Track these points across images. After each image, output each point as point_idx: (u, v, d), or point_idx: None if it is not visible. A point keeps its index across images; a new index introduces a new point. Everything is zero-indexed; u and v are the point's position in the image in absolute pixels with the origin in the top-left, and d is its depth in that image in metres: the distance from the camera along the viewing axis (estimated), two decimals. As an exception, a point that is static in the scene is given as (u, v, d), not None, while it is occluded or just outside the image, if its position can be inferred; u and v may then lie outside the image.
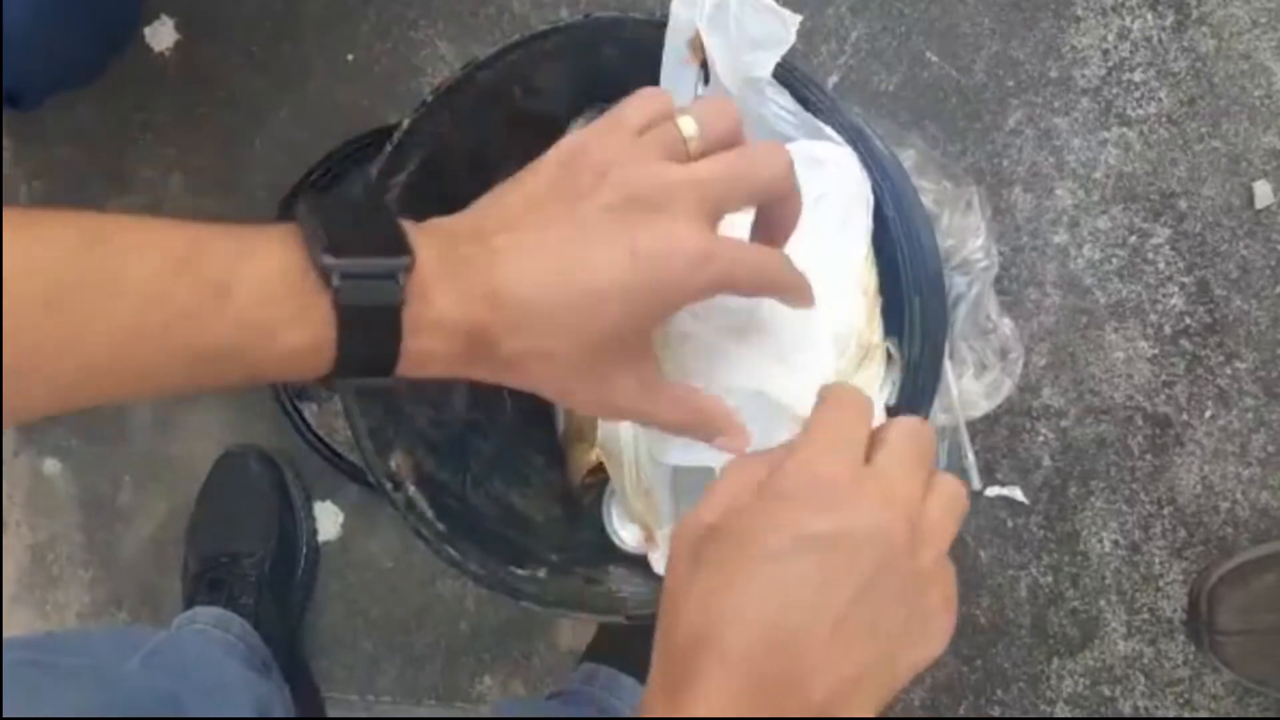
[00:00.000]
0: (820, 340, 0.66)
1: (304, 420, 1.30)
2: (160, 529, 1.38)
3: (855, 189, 0.71)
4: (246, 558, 1.25)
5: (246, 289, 0.44)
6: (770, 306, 0.60)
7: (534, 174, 0.51)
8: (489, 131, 0.86)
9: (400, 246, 0.46)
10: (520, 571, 0.81)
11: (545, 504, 0.93)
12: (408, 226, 0.47)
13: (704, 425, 0.55)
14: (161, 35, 1.38)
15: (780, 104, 0.72)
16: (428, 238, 0.47)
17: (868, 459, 0.45)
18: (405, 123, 0.80)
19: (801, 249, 0.56)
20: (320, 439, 1.29)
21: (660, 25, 0.75)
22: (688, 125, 0.51)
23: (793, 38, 0.70)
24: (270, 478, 1.28)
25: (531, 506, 0.92)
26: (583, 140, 0.51)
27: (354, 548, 1.30)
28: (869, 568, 0.42)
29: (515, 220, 0.49)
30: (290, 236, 0.45)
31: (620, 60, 0.76)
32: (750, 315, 0.61)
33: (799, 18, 0.70)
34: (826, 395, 0.48)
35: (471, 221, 0.50)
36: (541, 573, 0.82)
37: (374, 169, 0.81)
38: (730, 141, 0.52)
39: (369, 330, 0.45)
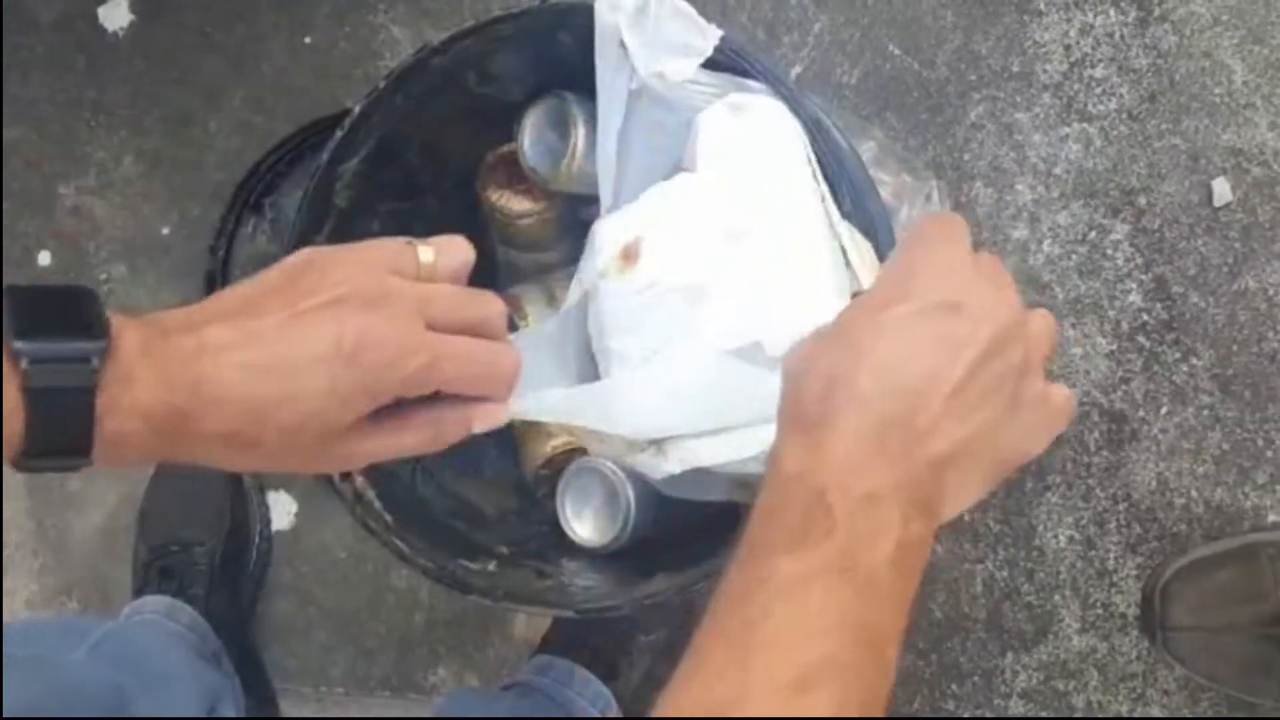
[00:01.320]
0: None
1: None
2: (111, 517, 1.36)
3: (785, 133, 0.71)
4: (197, 547, 1.24)
5: None
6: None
7: (259, 279, 0.53)
8: (443, 118, 0.85)
9: (99, 331, 0.47)
10: (470, 564, 0.80)
11: (498, 496, 0.92)
12: (114, 314, 0.48)
13: (442, 434, 0.57)
14: (115, 15, 1.36)
15: (702, 82, 0.72)
16: (135, 325, 0.49)
17: None
18: (357, 109, 0.79)
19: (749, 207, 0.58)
20: (274, 427, 1.28)
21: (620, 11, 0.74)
22: (425, 253, 0.54)
23: (710, 49, 0.71)
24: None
25: (483, 498, 0.91)
26: (314, 252, 0.54)
27: (307, 537, 1.29)
28: (985, 340, 0.46)
29: (230, 314, 0.51)
30: None
31: (576, 47, 0.75)
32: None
33: (720, 32, 0.70)
34: (924, 220, 0.52)
35: (185, 314, 0.51)
36: (492, 565, 0.81)
37: (324, 155, 0.79)
38: (460, 278, 0.57)
39: (59, 414, 0.46)
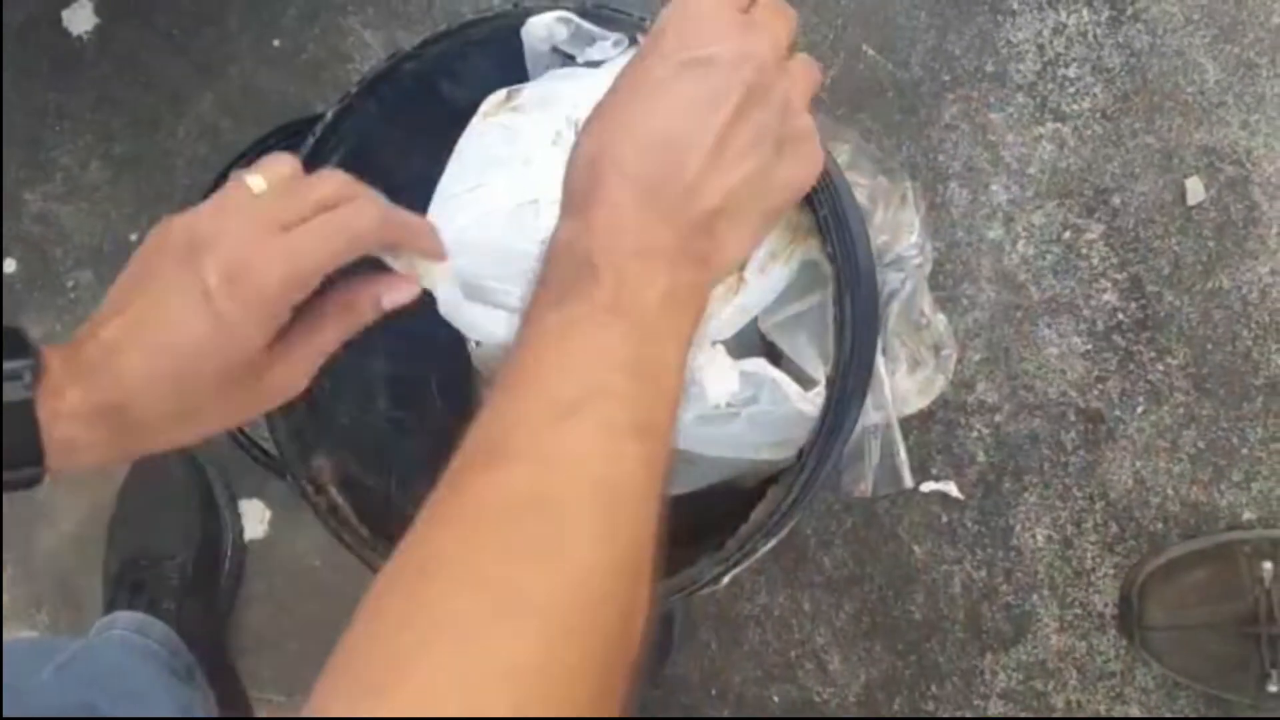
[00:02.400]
0: None
1: (229, 416, 1.26)
2: (81, 526, 1.34)
3: None
4: (168, 560, 1.22)
5: None
6: None
7: (131, 265, 0.55)
8: (417, 123, 0.84)
9: (25, 351, 0.51)
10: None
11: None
12: (35, 341, 0.52)
13: (357, 316, 0.60)
14: (79, 18, 1.34)
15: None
16: (54, 348, 0.53)
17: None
18: (329, 115, 0.78)
19: None
20: (245, 434, 1.25)
21: (593, 14, 0.73)
22: (255, 181, 0.56)
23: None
24: (192, 476, 1.25)
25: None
26: (168, 221, 0.55)
27: (281, 546, 1.27)
28: (743, 86, 0.48)
29: (117, 308, 0.53)
30: None
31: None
32: None
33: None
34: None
35: (89, 324, 0.54)
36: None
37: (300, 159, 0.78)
38: (291, 177, 0.58)
39: (9, 423, 0.50)
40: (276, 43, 1.26)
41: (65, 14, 1.34)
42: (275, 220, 0.54)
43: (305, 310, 0.56)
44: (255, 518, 1.28)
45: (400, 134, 0.83)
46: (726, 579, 0.73)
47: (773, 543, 0.72)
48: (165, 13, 1.30)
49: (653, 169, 0.47)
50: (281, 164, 0.58)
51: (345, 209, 0.57)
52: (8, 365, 0.50)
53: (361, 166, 0.81)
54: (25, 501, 1.36)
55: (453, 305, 0.70)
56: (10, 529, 1.37)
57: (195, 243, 0.53)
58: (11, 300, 1.33)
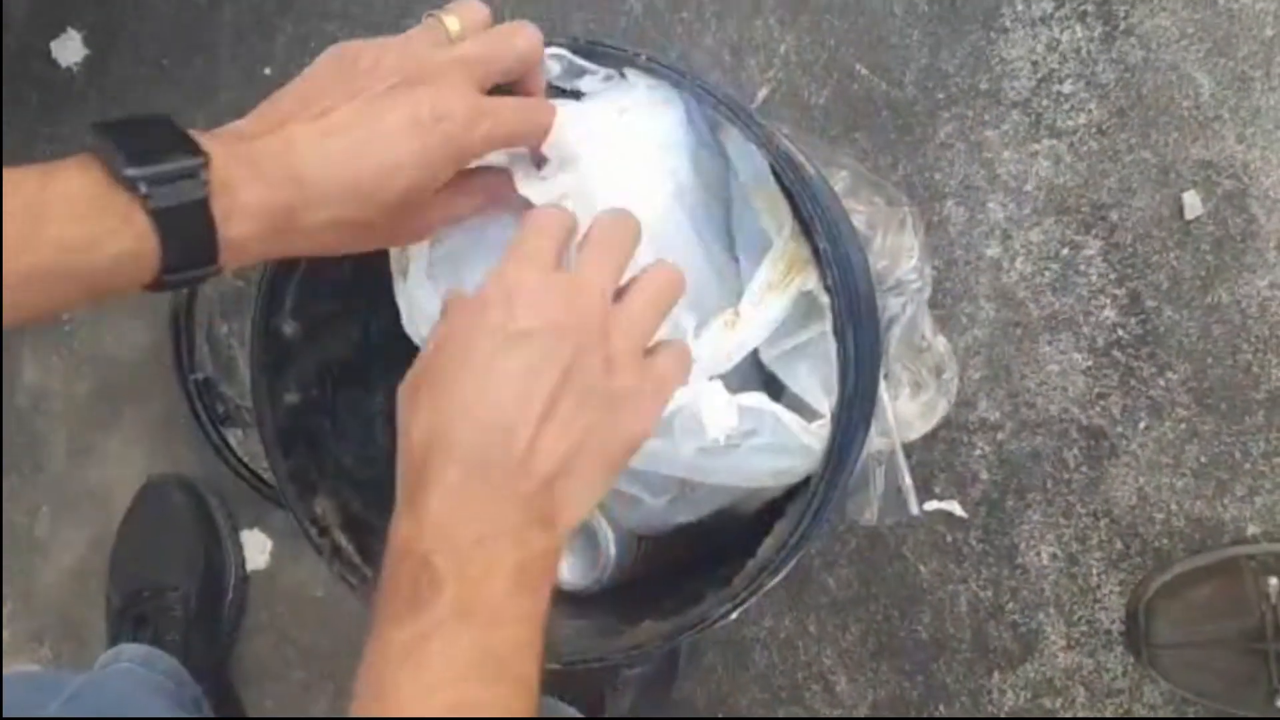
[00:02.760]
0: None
1: (228, 446, 1.26)
2: (81, 561, 1.34)
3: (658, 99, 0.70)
4: (171, 592, 1.22)
5: (59, 211, 0.47)
6: None
7: (309, 75, 0.56)
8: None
9: (193, 149, 0.49)
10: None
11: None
12: (193, 133, 0.51)
13: (493, 195, 0.62)
14: (69, 49, 1.33)
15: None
16: (213, 139, 0.51)
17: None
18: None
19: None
20: (245, 465, 1.26)
21: (585, 49, 0.73)
22: (451, 22, 0.58)
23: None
24: (194, 507, 1.25)
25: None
26: (353, 43, 0.56)
27: (283, 576, 1.27)
28: (568, 355, 0.50)
29: (299, 113, 0.53)
30: (89, 158, 0.48)
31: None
32: None
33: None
34: (522, 220, 0.55)
35: (255, 120, 0.54)
36: (472, 616, 0.80)
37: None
38: (486, 25, 0.59)
39: (185, 227, 0.49)
40: (268, 70, 1.26)
41: (54, 45, 1.34)
42: (480, 74, 0.57)
43: (453, 184, 0.58)
44: (257, 548, 1.28)
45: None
46: (735, 615, 0.73)
47: (779, 578, 0.72)
48: (155, 43, 1.30)
49: (483, 448, 0.48)
50: (475, 10, 0.60)
51: (536, 106, 0.61)
52: (182, 165, 0.48)
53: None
54: (25, 536, 1.36)
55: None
56: (10, 563, 1.36)
57: (408, 77, 0.54)
58: (8, 333, 1.32)
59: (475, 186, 0.62)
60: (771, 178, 0.71)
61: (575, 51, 0.72)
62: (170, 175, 0.48)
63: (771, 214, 0.73)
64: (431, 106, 0.54)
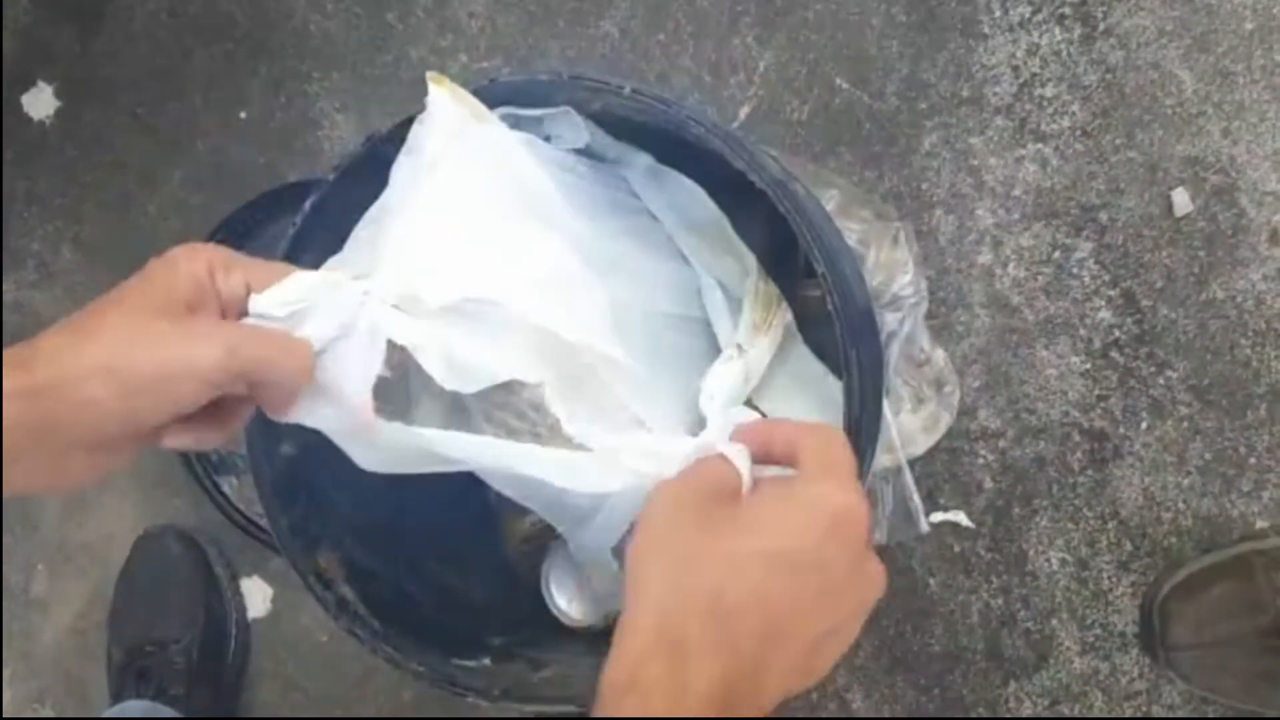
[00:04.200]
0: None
1: (223, 495, 1.25)
2: (80, 617, 1.32)
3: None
4: (173, 644, 1.20)
5: None
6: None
7: None
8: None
9: None
10: (465, 663, 0.77)
11: (483, 579, 0.90)
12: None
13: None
14: (40, 102, 1.32)
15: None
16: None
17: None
18: (307, 205, 0.76)
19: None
20: (241, 513, 1.24)
21: (567, 83, 0.72)
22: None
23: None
24: (192, 558, 1.23)
25: (470, 584, 0.88)
26: None
27: (286, 622, 1.25)
28: (857, 605, 0.50)
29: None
30: None
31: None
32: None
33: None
34: (813, 434, 0.53)
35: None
36: (486, 660, 0.79)
37: (279, 252, 0.76)
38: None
39: None
40: (243, 114, 1.25)
41: (25, 99, 1.32)
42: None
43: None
44: (258, 595, 1.26)
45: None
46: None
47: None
48: (127, 92, 1.28)
49: (744, 658, 0.47)
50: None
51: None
52: None
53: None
54: (21, 594, 1.34)
55: None
56: (8, 623, 1.34)
57: None
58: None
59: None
60: (716, 220, 0.72)
61: (560, 84, 0.71)
62: None
63: (721, 256, 0.75)
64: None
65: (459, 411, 0.70)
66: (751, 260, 0.75)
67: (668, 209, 0.78)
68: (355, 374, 0.58)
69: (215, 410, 0.56)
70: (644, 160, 0.77)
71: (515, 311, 0.60)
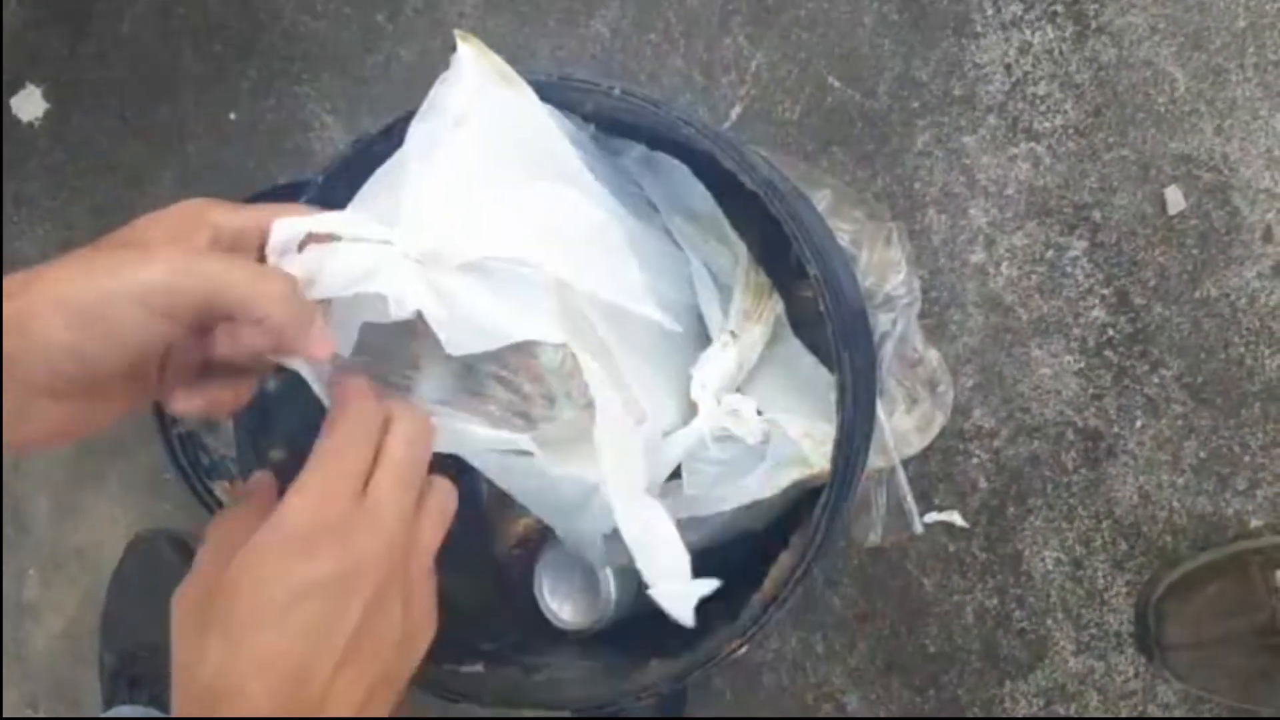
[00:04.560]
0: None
1: (215, 498, 1.24)
2: (72, 623, 1.32)
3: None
4: (167, 649, 1.19)
5: None
6: None
7: None
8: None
9: None
10: (456, 668, 0.77)
11: (474, 583, 0.89)
12: None
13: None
14: (29, 105, 1.31)
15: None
16: None
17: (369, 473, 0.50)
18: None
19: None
20: (234, 516, 1.24)
21: (557, 84, 0.72)
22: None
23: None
24: (184, 562, 1.22)
25: (460, 588, 0.88)
26: None
27: (279, 626, 1.25)
28: (368, 595, 0.47)
29: None
30: None
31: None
32: None
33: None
34: (330, 419, 0.51)
35: None
36: (479, 667, 0.78)
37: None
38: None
39: None
40: (233, 116, 1.24)
41: (13, 101, 1.32)
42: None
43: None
44: (250, 600, 1.25)
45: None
46: (744, 650, 0.71)
47: (786, 608, 0.71)
48: (116, 94, 1.28)
49: (278, 699, 0.45)
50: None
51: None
52: None
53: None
54: (13, 600, 1.33)
55: None
56: (-1, 629, 1.34)
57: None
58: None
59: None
60: (710, 208, 0.72)
61: (549, 88, 0.71)
62: None
63: (714, 244, 0.74)
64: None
65: (466, 378, 0.68)
66: (742, 249, 0.75)
67: (662, 195, 0.77)
68: (353, 326, 0.57)
69: (221, 372, 0.53)
70: (638, 149, 0.77)
71: (546, 272, 0.58)
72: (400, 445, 0.51)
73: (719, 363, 0.72)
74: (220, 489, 1.24)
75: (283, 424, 0.79)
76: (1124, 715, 1.03)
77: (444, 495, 0.53)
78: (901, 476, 0.86)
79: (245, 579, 0.46)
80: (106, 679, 1.22)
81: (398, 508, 0.50)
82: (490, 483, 0.97)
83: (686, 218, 0.78)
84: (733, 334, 0.73)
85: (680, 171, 0.75)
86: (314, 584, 0.47)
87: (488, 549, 0.94)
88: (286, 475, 0.78)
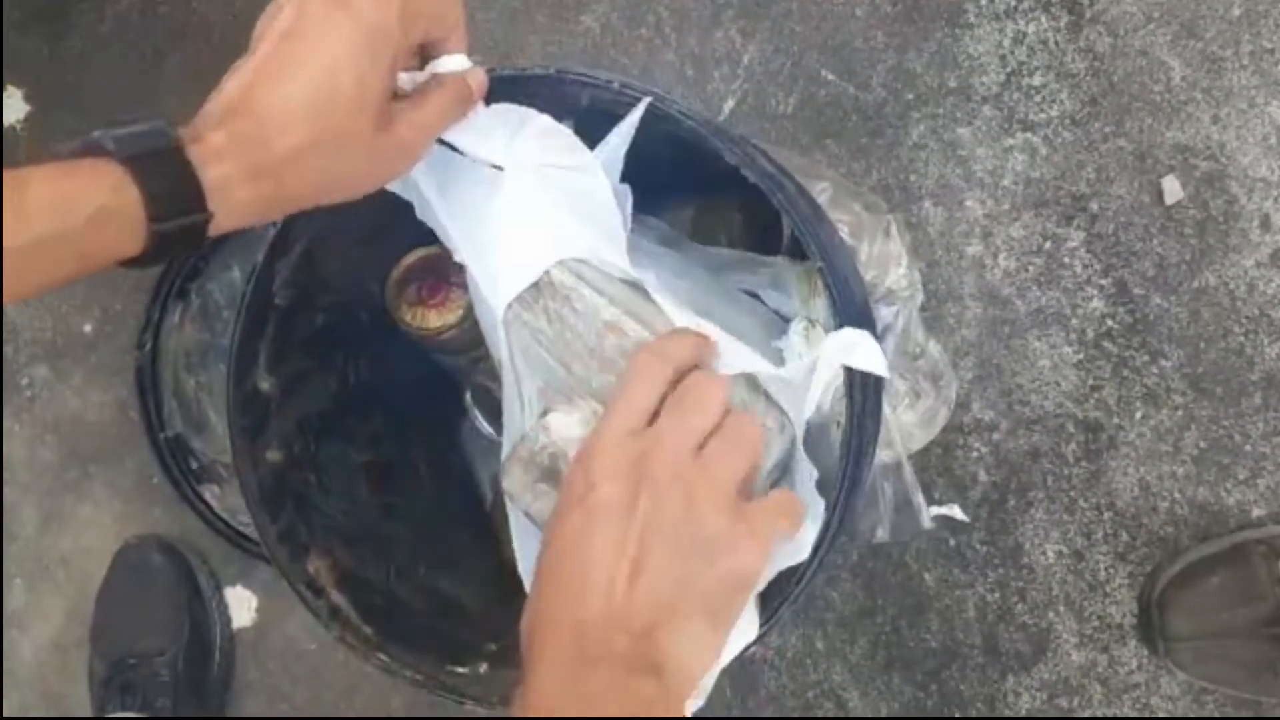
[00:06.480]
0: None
1: (205, 503, 1.22)
2: (61, 632, 1.29)
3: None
4: (157, 657, 1.18)
5: (37, 177, 0.48)
6: None
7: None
8: (379, 203, 0.80)
9: (153, 116, 0.52)
10: (460, 669, 0.76)
11: (477, 585, 0.88)
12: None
13: (459, 96, 0.62)
14: (11, 107, 1.29)
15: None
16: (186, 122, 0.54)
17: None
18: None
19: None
20: (224, 521, 1.22)
21: (554, 78, 0.71)
22: None
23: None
24: (175, 568, 1.21)
25: (463, 590, 0.87)
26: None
27: (271, 632, 1.23)
28: (645, 509, 0.51)
29: (242, 65, 0.55)
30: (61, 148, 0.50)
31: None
32: None
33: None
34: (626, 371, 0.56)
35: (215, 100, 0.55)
36: (482, 668, 0.77)
37: (259, 256, 0.74)
38: None
39: (161, 172, 0.50)
40: (218, 116, 1.22)
41: (-5, 104, 1.30)
42: None
43: (417, 90, 0.60)
44: (242, 606, 1.24)
45: (364, 216, 0.80)
46: (752, 648, 0.70)
47: (797, 604, 0.70)
48: (97, 95, 1.26)
49: (576, 615, 0.49)
50: None
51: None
52: (144, 126, 0.51)
53: (327, 252, 0.78)
54: (-1, 610, 1.31)
55: None
56: (-13, 639, 1.32)
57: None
58: (-35, 404, 1.28)
59: (436, 87, 0.61)
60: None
61: (548, 81, 0.70)
62: (135, 134, 0.50)
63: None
64: (336, 2, 0.55)
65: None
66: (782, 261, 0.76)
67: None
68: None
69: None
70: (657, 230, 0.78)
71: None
72: (689, 386, 0.55)
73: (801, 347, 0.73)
74: (209, 493, 1.22)
75: (278, 425, 0.78)
76: (1127, 707, 1.02)
77: (743, 424, 0.55)
78: (908, 471, 0.85)
79: (549, 524, 0.53)
80: (97, 687, 1.20)
81: (675, 437, 0.53)
82: (494, 487, 0.96)
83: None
84: (811, 321, 0.74)
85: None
86: (595, 506, 0.51)
87: (490, 550, 0.92)
88: (281, 477, 0.78)
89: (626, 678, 0.48)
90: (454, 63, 0.62)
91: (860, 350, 0.62)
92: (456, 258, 0.67)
